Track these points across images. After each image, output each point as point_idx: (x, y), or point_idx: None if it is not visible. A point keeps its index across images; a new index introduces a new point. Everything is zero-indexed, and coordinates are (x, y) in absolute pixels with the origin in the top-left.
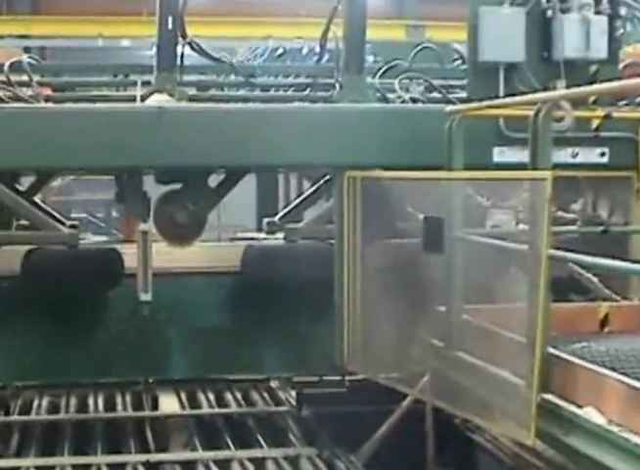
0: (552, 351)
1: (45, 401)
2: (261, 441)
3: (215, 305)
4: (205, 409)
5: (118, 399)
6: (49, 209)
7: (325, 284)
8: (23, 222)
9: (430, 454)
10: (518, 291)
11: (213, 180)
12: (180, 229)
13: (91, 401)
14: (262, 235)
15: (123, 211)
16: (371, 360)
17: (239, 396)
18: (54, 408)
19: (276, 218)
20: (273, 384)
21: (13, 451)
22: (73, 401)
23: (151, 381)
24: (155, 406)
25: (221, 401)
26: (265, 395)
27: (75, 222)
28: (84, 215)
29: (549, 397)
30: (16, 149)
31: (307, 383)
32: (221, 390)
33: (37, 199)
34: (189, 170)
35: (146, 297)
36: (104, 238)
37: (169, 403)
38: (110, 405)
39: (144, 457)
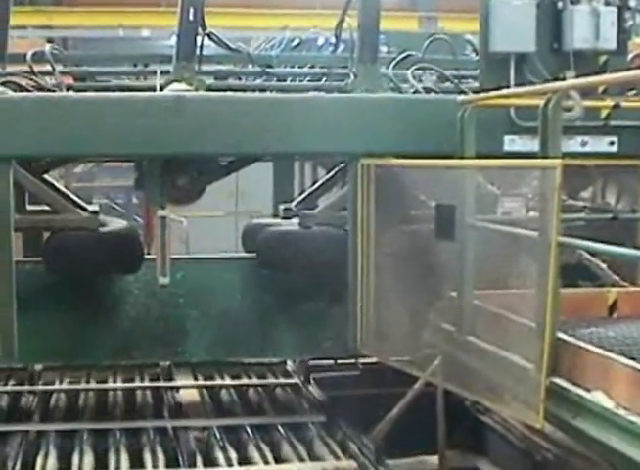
0: (561, 335)
1: (65, 383)
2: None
3: (232, 289)
4: (222, 392)
5: (137, 382)
6: (71, 194)
7: (339, 269)
8: (35, 208)
9: (441, 436)
10: (528, 277)
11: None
12: (177, 191)
13: (110, 383)
14: (278, 221)
15: (143, 198)
16: (384, 344)
17: (255, 378)
18: (74, 390)
19: (292, 205)
20: (289, 367)
21: (34, 431)
22: (93, 383)
23: (169, 364)
24: (172, 389)
25: (238, 384)
26: (281, 377)
27: (96, 208)
28: (105, 201)
29: (558, 380)
30: (39, 136)
31: (322, 366)
32: (238, 373)
33: (60, 185)
34: (207, 158)
35: (164, 281)
36: (124, 223)
37: (187, 386)
38: (128, 388)
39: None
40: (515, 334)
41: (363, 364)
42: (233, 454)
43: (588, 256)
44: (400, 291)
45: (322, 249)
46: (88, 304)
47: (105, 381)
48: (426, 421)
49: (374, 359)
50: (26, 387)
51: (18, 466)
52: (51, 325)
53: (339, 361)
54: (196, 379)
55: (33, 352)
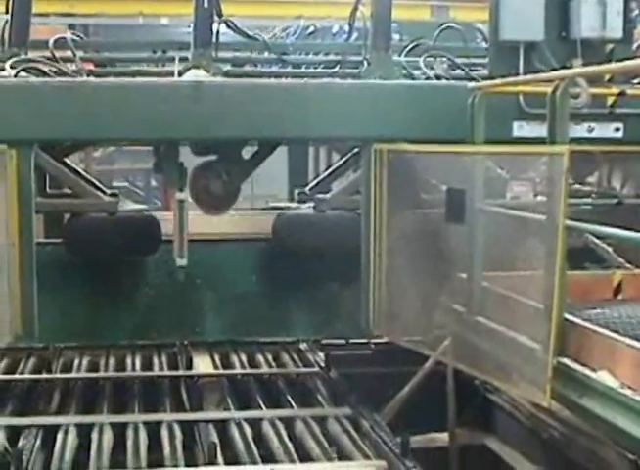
0: (568, 316)
1: (85, 361)
2: (290, 400)
3: (248, 271)
4: (238, 370)
5: (155, 360)
6: (91, 177)
7: (351, 251)
8: (55, 191)
9: (450, 414)
10: (535, 259)
11: (247, 152)
12: (214, 198)
13: (129, 362)
14: (293, 204)
15: (162, 181)
16: (395, 324)
17: (270, 357)
18: (93, 368)
19: (306, 189)
20: (302, 346)
21: (54, 408)
22: (112, 362)
23: (186, 343)
24: (189, 367)
25: (253, 363)
26: (295, 356)
27: (116, 191)
28: (125, 184)
29: (565, 360)
30: (60, 121)
31: (335, 345)
32: (253, 352)
33: (80, 168)
34: (224, 143)
35: (182, 262)
36: (143, 206)
37: (203, 364)
38: (146, 366)
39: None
40: (523, 315)
41: (375, 344)
42: (248, 431)
43: (594, 239)
44: (411, 273)
45: (335, 232)
46: (107, 284)
47: (123, 360)
48: (436, 399)
49: (386, 339)
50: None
51: (38, 441)
52: (71, 305)
53: (351, 341)
54: (212, 357)
55: (53, 331)
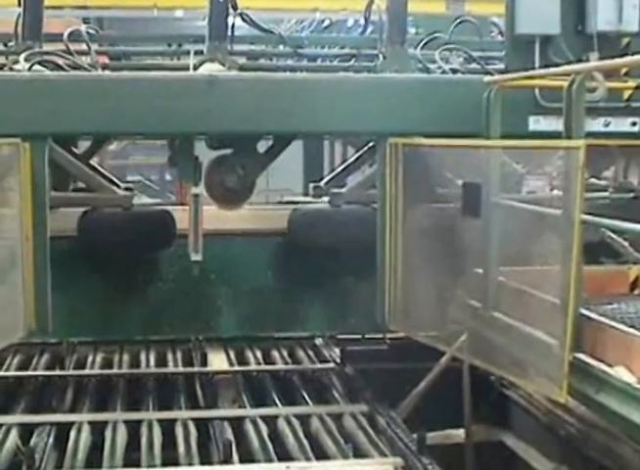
0: (584, 312)
1: (99, 357)
2: (306, 397)
3: (263, 266)
4: (253, 366)
5: (169, 356)
6: (105, 171)
7: (367, 246)
8: (80, 185)
9: (466, 410)
10: (551, 254)
11: (262, 146)
12: (230, 193)
13: (143, 358)
14: (308, 199)
15: (176, 175)
16: (411, 320)
17: (285, 353)
18: (107, 364)
19: (322, 183)
20: (318, 341)
21: (68, 404)
22: (126, 358)
23: (200, 339)
24: (204, 363)
25: (268, 359)
26: (310, 352)
27: (130, 185)
28: (139, 179)
29: (581, 356)
30: (74, 115)
31: (350, 340)
32: (268, 347)
33: (94, 162)
34: (239, 137)
35: (197, 257)
36: (157, 200)
37: (218, 360)
38: (161, 362)
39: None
40: (539, 310)
41: (390, 339)
42: (264, 428)
43: (611, 234)
44: (428, 267)
45: (351, 226)
46: (121, 279)
47: (137, 356)
48: (452, 395)
49: (401, 335)
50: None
51: (51, 440)
52: (85, 300)
53: (366, 336)
54: (227, 353)
55: (67, 326)
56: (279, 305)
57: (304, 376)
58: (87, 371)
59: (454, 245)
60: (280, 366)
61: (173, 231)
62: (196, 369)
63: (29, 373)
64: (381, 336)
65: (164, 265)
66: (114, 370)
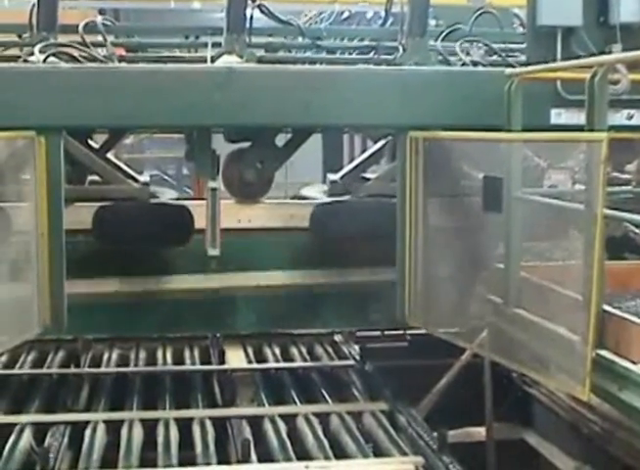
0: (606, 308)
1: (115, 354)
2: (325, 395)
3: (282, 261)
4: (271, 364)
5: (186, 354)
6: (122, 165)
7: (387, 241)
8: (96, 178)
9: (487, 407)
10: (573, 249)
11: (280, 140)
12: (248, 187)
13: (160, 355)
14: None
15: (194, 169)
16: (431, 315)
17: (304, 350)
18: (123, 362)
19: (338, 177)
20: (337, 338)
21: (83, 403)
22: (142, 355)
23: (218, 335)
24: (222, 361)
25: (286, 356)
26: (329, 349)
27: (147, 179)
28: (156, 173)
29: (604, 352)
30: (91, 107)
31: (370, 337)
32: (286, 344)
33: (111, 156)
34: (257, 130)
35: (214, 252)
36: (175, 194)
37: (236, 357)
38: (178, 359)
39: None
40: (561, 306)
41: (411, 336)
42: (283, 427)
43: (634, 228)
44: (448, 262)
45: (372, 220)
46: (138, 274)
47: (154, 354)
48: (473, 393)
49: (421, 331)
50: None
51: (66, 439)
52: (100, 296)
53: (386, 333)
54: (245, 351)
55: (83, 323)
56: (298, 301)
57: (323, 373)
58: (103, 369)
59: (474, 240)
60: (299, 364)
61: (191, 226)
62: (214, 367)
63: (44, 371)
64: (401, 332)
65: (182, 260)
66: (131, 368)
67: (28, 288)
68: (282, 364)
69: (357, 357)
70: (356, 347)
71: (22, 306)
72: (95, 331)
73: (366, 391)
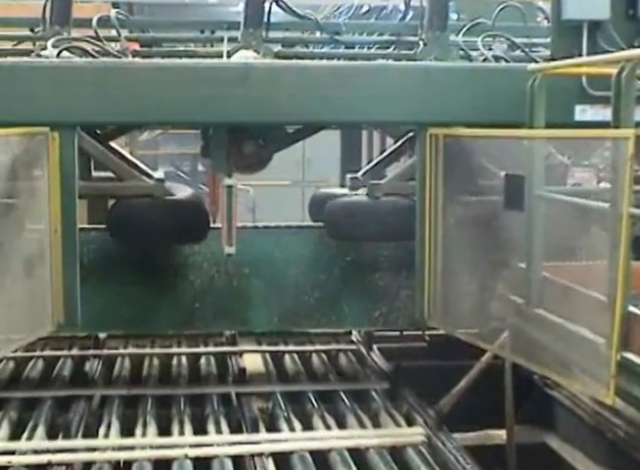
0: (632, 309)
1: (129, 352)
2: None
3: (298, 259)
4: (288, 364)
5: (202, 351)
6: (136, 161)
7: (406, 240)
8: (101, 174)
9: (508, 410)
10: (598, 249)
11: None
12: (242, 158)
13: (175, 353)
14: (344, 191)
15: (209, 166)
16: (451, 316)
17: (321, 349)
18: (138, 360)
19: (359, 174)
20: (354, 338)
21: (97, 401)
22: (157, 352)
23: (234, 333)
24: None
25: (303, 356)
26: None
27: (162, 175)
28: (171, 169)
29: (629, 355)
30: (104, 103)
31: (388, 337)
32: (303, 343)
33: (125, 152)
34: (274, 126)
35: (230, 250)
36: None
37: (252, 356)
38: (193, 358)
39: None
40: (585, 307)
41: (430, 336)
42: (298, 425)
43: None
44: (468, 262)
45: (391, 219)
46: (152, 272)
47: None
48: (493, 394)
49: (441, 331)
50: (91, 352)
51: (80, 432)
52: (115, 293)
53: (405, 333)
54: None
55: (97, 320)
56: (314, 299)
57: (340, 372)
58: (116, 368)
59: (496, 239)
60: (316, 365)
61: (207, 223)
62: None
63: (56, 371)
64: (420, 333)
65: (198, 258)
66: (145, 366)
67: (42, 285)
68: (299, 367)
69: (375, 358)
70: (375, 347)
71: (36, 303)
72: (109, 328)
73: (384, 391)
